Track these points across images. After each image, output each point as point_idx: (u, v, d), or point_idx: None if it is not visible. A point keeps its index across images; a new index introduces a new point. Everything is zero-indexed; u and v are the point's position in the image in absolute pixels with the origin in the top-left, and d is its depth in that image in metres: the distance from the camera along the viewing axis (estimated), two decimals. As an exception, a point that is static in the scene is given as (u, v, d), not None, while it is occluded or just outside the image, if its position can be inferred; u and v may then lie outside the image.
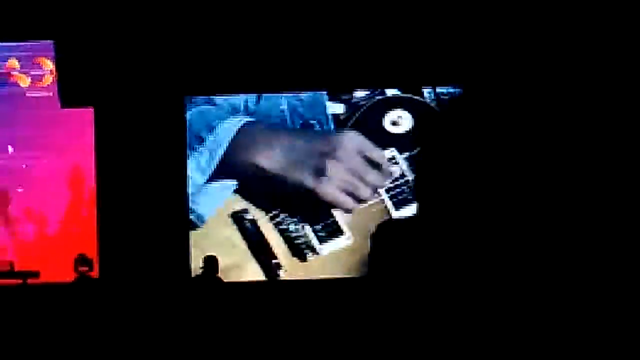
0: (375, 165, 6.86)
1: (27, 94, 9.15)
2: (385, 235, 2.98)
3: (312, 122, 7.06)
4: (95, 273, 8.38)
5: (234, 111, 7.39)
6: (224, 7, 8.51)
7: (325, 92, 7.23)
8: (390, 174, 6.87)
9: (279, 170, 6.98)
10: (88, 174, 8.91)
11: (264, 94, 7.61)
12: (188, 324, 7.26)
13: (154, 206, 8.60)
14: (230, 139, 7.39)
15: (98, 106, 8.70)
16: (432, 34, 8.07)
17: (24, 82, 9.17)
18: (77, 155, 8.97)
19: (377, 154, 6.86)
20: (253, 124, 7.15)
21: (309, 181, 6.92)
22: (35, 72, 9.13)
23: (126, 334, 7.29)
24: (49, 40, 8.76)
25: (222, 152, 7.36)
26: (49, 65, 9.10)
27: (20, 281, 8.42)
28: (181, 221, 8.56)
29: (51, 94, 9.00)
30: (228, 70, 8.50)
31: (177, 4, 8.49)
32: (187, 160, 8.12)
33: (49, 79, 9.10)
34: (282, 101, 7.25)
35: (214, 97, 7.78)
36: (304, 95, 7.24)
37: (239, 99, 7.54)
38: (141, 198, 8.60)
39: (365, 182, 6.87)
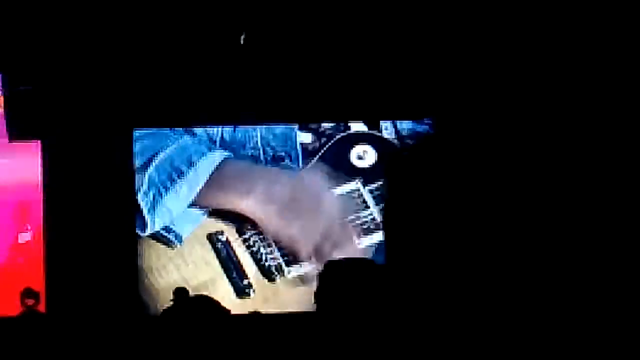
0: (340, 200, 7.22)
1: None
2: (331, 275, 3.05)
3: (282, 155, 7.37)
4: (42, 307, 8.33)
5: (211, 141, 7.59)
6: (174, 38, 8.52)
7: (294, 126, 7.54)
8: (355, 206, 7.19)
9: (252, 208, 7.33)
10: (35, 206, 8.85)
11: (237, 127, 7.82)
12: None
13: (102, 239, 8.55)
14: (209, 175, 7.60)
15: (46, 139, 8.66)
16: (398, 68, 8.19)
17: (-30, 114, 9.10)
18: (24, 188, 8.91)
19: (340, 190, 7.20)
20: (229, 160, 7.42)
21: (276, 221, 7.26)
22: (-19, 104, 9.07)
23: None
24: (-4, 73, 8.72)
25: (200, 187, 7.58)
26: (-5, 98, 9.04)
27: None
28: (130, 256, 8.52)
29: (-4, 126, 8.95)
30: (177, 102, 8.53)
31: (126, 38, 8.49)
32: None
33: (-5, 112, 9.04)
34: (256, 133, 7.52)
35: (193, 128, 7.88)
36: (277, 128, 7.52)
37: (217, 130, 7.71)
38: (89, 231, 8.56)
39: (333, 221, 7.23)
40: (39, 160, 8.70)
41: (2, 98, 8.86)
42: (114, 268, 8.53)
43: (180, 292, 7.20)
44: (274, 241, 7.23)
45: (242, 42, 7.88)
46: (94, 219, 8.57)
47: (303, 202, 7.23)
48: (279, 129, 7.50)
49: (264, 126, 7.57)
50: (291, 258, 7.27)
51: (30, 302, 8.16)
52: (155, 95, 8.56)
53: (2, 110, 8.86)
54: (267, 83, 7.99)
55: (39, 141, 8.68)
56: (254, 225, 7.27)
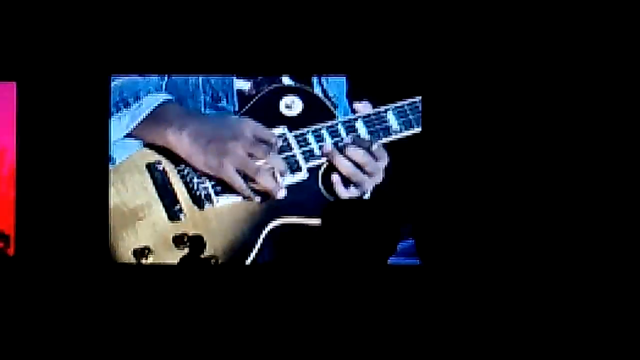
0: (267, 145, 8.04)
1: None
2: (335, 214, 3.07)
3: (220, 95, 8.17)
4: (11, 250, 8.33)
5: (159, 80, 8.32)
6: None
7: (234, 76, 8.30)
8: (279, 150, 8.08)
9: (186, 149, 8.10)
10: (9, 149, 8.82)
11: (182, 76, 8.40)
12: (102, 310, 7.24)
13: (74, 186, 8.53)
14: (149, 111, 8.25)
15: (21, 81, 8.61)
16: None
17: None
18: (-1, 131, 8.89)
19: (268, 134, 8.08)
20: (170, 103, 8.16)
21: (212, 162, 8.05)
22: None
23: (42, 313, 7.25)
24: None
25: (141, 120, 8.23)
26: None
27: None
28: (102, 201, 8.52)
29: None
30: (150, 52, 8.56)
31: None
32: (110, 134, 8.33)
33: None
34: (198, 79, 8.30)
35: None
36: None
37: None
38: (60, 176, 8.54)
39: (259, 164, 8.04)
40: (14, 102, 8.65)
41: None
42: (85, 218, 8.52)
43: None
44: (202, 174, 8.02)
45: None
46: (66, 166, 8.54)
47: (228, 141, 8.00)
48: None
49: (207, 75, 8.35)
50: (219, 189, 8.06)
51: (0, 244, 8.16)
52: (132, 42, 8.54)
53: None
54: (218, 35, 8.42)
55: (15, 83, 8.62)
56: (182, 159, 8.05)
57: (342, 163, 7.99)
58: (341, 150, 8.02)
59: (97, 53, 8.48)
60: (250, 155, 7.99)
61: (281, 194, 8.00)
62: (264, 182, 7.98)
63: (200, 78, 8.25)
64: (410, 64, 8.40)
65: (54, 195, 8.45)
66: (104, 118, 8.49)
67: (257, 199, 8.11)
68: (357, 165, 7.97)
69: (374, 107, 8.17)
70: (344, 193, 7.98)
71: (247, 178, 8.04)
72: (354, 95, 8.26)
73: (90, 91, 8.51)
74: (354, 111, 8.18)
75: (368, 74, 8.23)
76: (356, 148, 8.00)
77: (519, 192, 8.49)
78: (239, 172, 8.02)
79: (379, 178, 8.05)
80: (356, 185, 8.00)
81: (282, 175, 8.05)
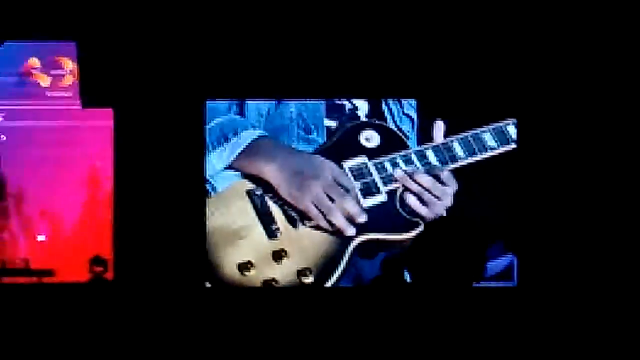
0: (343, 188, 8.92)
1: (47, 94, 9.20)
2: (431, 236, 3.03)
3: (312, 128, 9.09)
4: (110, 274, 8.41)
5: (258, 117, 9.13)
6: (247, 12, 8.59)
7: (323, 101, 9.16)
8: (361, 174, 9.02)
9: (275, 178, 9.00)
10: (105, 174, 8.94)
11: (282, 101, 9.07)
12: (204, 332, 7.27)
13: (170, 208, 8.62)
14: (246, 144, 9.01)
15: (118, 107, 8.72)
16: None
17: (45, 81, 9.21)
18: (94, 156, 9.01)
19: (346, 180, 8.97)
20: (265, 137, 9.04)
21: (294, 193, 8.95)
22: (56, 71, 9.18)
23: (139, 337, 7.30)
24: (70, 41, 8.79)
25: (239, 152, 9.01)
26: (69, 65, 9.14)
27: (35, 279, 8.45)
28: (198, 225, 8.60)
29: (71, 94, 9.05)
30: (248, 75, 8.66)
31: (201, 7, 8.55)
32: (206, 159, 8.88)
33: (69, 79, 9.15)
34: (292, 106, 9.13)
35: (243, 104, 9.09)
36: (308, 103, 9.14)
37: (263, 107, 9.13)
38: (157, 200, 8.62)
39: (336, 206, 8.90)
40: (111, 128, 8.77)
41: (76, 66, 8.96)
42: (182, 240, 8.60)
43: None
44: (286, 203, 8.95)
45: None
46: (162, 190, 8.63)
47: (310, 178, 8.95)
48: (310, 104, 9.13)
49: (309, 101, 9.13)
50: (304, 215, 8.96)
51: (98, 269, 8.26)
52: (226, 67, 8.63)
53: (76, 78, 8.98)
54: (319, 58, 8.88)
55: (112, 109, 8.74)
56: (272, 187, 8.94)
57: (411, 186, 8.81)
58: (410, 176, 8.85)
59: (193, 77, 8.57)
60: (327, 194, 8.87)
61: (350, 231, 8.82)
62: (335, 220, 8.83)
63: (294, 113, 9.10)
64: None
65: (151, 218, 8.53)
66: (199, 142, 8.60)
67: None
68: (425, 188, 8.78)
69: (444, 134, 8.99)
70: (420, 209, 8.79)
71: (322, 214, 8.89)
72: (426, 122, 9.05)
73: (186, 115, 8.60)
74: (430, 137, 8.97)
75: (439, 98, 9.01)
76: (423, 174, 8.83)
77: (618, 207, 8.38)
78: (315, 207, 8.91)
79: (447, 202, 8.80)
80: (427, 205, 8.79)
81: (355, 217, 8.87)
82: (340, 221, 8.81)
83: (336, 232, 8.87)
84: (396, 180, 8.86)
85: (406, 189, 8.83)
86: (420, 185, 8.78)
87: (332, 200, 8.86)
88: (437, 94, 8.87)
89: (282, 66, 8.72)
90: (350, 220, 8.83)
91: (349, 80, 8.89)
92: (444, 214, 8.75)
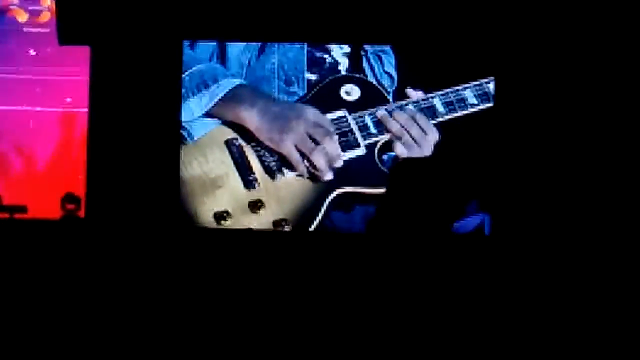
0: (325, 130, 8.96)
1: (24, 29, 9.14)
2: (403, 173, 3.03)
3: (293, 80, 9.14)
4: (82, 212, 8.41)
5: (239, 67, 9.16)
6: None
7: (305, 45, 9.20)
8: (340, 129, 9.02)
9: (254, 123, 9.03)
10: (81, 113, 8.91)
11: (262, 45, 9.09)
12: (176, 274, 7.28)
13: (145, 151, 8.60)
14: (226, 91, 9.05)
15: (95, 45, 8.67)
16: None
17: (22, 16, 9.15)
18: (70, 94, 8.97)
19: (327, 122, 9.02)
20: (244, 86, 9.07)
21: (275, 137, 8.99)
22: (34, 7, 9.11)
23: (109, 276, 7.30)
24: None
25: (218, 99, 9.03)
26: (47, 1, 9.08)
27: (7, 215, 8.44)
28: (172, 169, 8.60)
29: (48, 30, 8.99)
30: (228, 17, 8.63)
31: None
32: (183, 105, 8.87)
33: (47, 15, 9.08)
34: (273, 58, 9.19)
35: (225, 53, 9.10)
36: (290, 53, 9.18)
37: (244, 58, 9.16)
38: (132, 141, 8.60)
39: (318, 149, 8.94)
40: (87, 66, 8.72)
41: (53, 2, 8.89)
42: (155, 183, 8.59)
43: None
44: (267, 148, 9.00)
45: None
46: (137, 130, 8.60)
47: (292, 120, 9.01)
48: (292, 56, 9.18)
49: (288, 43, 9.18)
50: (285, 164, 9.02)
51: (70, 207, 8.25)
52: (205, 7, 8.59)
53: (53, 15, 8.92)
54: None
55: (89, 47, 8.69)
56: (252, 133, 8.99)
57: (392, 125, 8.89)
58: (391, 113, 8.92)
59: (172, 16, 8.53)
60: (309, 135, 8.89)
61: (329, 176, 8.87)
62: (317, 161, 8.84)
63: (275, 64, 9.15)
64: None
65: (126, 159, 8.51)
66: (176, 83, 8.58)
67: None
68: (404, 128, 8.86)
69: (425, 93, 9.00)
70: (400, 152, 8.84)
71: (303, 156, 8.89)
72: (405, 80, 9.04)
73: (164, 55, 8.57)
74: (406, 97, 8.99)
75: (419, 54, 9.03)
76: (401, 112, 8.90)
77: (594, 167, 8.41)
78: (297, 149, 8.89)
79: (427, 151, 8.84)
80: (407, 149, 8.85)
81: (334, 160, 8.92)
82: (321, 163, 8.84)
83: (314, 177, 8.90)
84: (376, 134, 8.91)
85: (386, 143, 8.89)
86: (400, 124, 8.86)
87: (314, 141, 8.90)
88: (417, 45, 8.88)
89: (262, 9, 8.65)
90: (330, 164, 8.88)
91: (330, 25, 8.86)
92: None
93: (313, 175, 8.88)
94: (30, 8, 9.13)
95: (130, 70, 8.61)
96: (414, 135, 8.83)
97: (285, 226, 8.88)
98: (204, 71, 9.02)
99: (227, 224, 8.85)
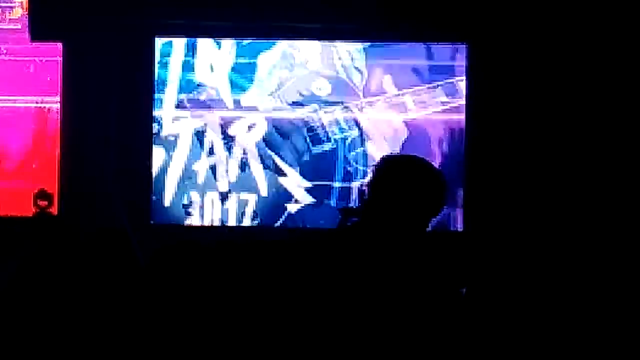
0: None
1: (-5, 26, 9.10)
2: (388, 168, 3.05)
3: None
4: (54, 209, 8.38)
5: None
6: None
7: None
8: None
9: None
10: (52, 109, 8.87)
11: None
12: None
13: (117, 146, 8.60)
14: None
15: (68, 41, 8.65)
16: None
17: (-7, 13, 9.10)
18: (42, 90, 8.93)
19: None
20: None
21: None
22: (5, 3, 9.05)
23: (81, 272, 7.28)
24: (20, -28, 8.71)
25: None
26: (19, -3, 9.04)
27: (-22, 213, 8.42)
28: (145, 163, 8.61)
29: (20, 26, 8.94)
30: (199, 14, 8.61)
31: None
32: (154, 105, 8.83)
33: (19, 12, 9.02)
34: None
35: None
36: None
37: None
38: (105, 137, 8.60)
39: None
40: (59, 63, 8.70)
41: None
42: (128, 179, 8.59)
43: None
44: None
45: None
46: (110, 127, 8.59)
47: None
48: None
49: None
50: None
51: (43, 203, 8.20)
52: (176, 3, 8.59)
53: (25, 11, 8.88)
54: None
55: (61, 43, 8.66)
56: None
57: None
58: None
59: (144, 13, 8.51)
60: None
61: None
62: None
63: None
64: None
65: (98, 155, 8.51)
66: (149, 78, 8.57)
67: None
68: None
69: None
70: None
71: None
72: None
73: (136, 51, 8.56)
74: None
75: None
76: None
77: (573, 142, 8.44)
78: None
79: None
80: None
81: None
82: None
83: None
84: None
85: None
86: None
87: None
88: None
89: (233, 5, 8.64)
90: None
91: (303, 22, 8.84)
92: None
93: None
94: (1, 4, 9.07)
95: (102, 66, 8.61)
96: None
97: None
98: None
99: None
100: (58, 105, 8.75)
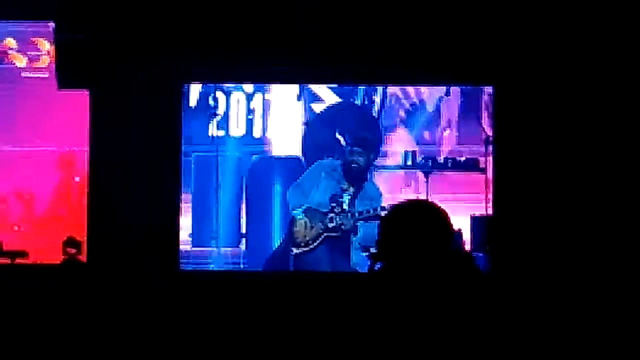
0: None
1: (23, 74, 9.15)
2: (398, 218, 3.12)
3: None
4: (83, 256, 8.39)
5: None
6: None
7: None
8: None
9: None
10: (80, 156, 8.91)
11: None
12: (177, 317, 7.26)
13: (145, 193, 8.60)
14: None
15: (94, 89, 8.68)
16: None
17: (21, 61, 9.17)
18: (70, 138, 8.98)
19: None
20: None
21: None
22: (32, 52, 9.13)
23: (112, 320, 7.27)
24: (48, 22, 8.75)
25: None
26: (46, 45, 9.09)
27: (8, 261, 8.42)
28: (172, 211, 8.61)
29: (47, 75, 9.00)
30: (225, 60, 8.65)
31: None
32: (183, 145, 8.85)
33: (46, 60, 9.10)
34: None
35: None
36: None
37: None
38: (133, 184, 8.60)
39: None
40: (86, 110, 8.74)
41: (52, 47, 8.91)
42: (156, 225, 8.57)
43: None
44: None
45: None
46: (138, 174, 8.60)
47: None
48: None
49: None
50: None
51: (71, 251, 8.24)
52: (203, 50, 8.61)
53: (52, 60, 8.94)
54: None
55: (88, 91, 8.70)
56: None
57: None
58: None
59: (171, 60, 8.54)
60: None
61: None
62: None
63: None
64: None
65: (126, 202, 8.51)
66: (176, 125, 8.58)
67: None
68: None
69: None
70: None
71: None
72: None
73: (163, 98, 8.58)
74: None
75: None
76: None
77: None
78: None
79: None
80: None
81: None
82: None
83: None
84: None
85: None
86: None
87: None
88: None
89: (260, 52, 8.66)
90: None
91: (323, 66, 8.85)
92: None
93: None
94: (29, 53, 9.15)
95: (129, 113, 8.62)
96: None
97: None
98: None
99: None
100: (85, 152, 8.78)
